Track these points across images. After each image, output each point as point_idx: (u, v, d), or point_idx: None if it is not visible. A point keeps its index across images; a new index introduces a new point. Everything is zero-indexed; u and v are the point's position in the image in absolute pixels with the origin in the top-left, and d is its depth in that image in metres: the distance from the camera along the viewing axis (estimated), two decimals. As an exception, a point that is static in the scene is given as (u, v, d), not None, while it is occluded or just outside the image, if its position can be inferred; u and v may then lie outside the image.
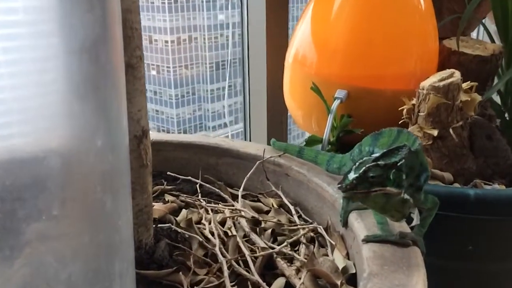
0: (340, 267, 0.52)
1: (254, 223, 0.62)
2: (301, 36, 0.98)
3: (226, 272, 0.49)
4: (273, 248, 0.56)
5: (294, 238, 0.59)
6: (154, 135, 0.82)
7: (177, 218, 0.62)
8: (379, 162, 0.45)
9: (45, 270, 0.31)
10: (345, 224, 0.57)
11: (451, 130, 0.79)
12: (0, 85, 0.28)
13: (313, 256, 0.52)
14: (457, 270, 0.81)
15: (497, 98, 0.99)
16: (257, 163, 0.75)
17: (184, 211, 0.64)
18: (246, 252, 0.54)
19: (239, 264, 0.54)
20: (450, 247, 0.79)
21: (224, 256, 0.53)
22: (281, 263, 0.54)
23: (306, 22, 0.98)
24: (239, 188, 0.72)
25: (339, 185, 0.46)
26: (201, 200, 0.70)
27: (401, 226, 0.54)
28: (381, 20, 0.90)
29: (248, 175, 0.73)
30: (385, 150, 0.47)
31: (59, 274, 0.32)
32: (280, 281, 0.51)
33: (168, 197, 0.67)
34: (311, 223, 0.64)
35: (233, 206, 0.67)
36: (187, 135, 0.84)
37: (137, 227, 0.52)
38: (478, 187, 0.79)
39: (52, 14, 0.29)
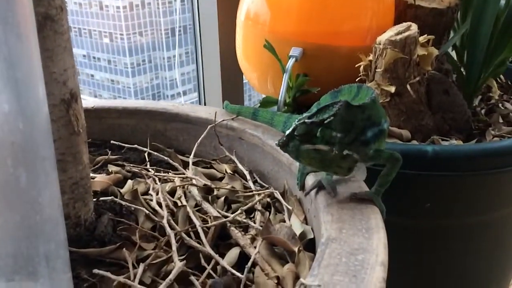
0: (298, 233, 0.49)
1: (206, 191, 0.58)
2: (252, -8, 0.92)
3: (174, 246, 0.45)
4: (226, 217, 0.53)
5: (249, 205, 0.55)
6: (96, 102, 0.75)
7: (122, 190, 0.57)
8: (305, 120, 0.44)
9: None
10: (302, 187, 0.54)
11: (408, 86, 0.77)
12: None
13: (269, 223, 0.49)
14: (415, 228, 0.80)
15: (452, 53, 0.97)
16: (209, 127, 0.70)
17: (130, 182, 0.59)
18: (197, 223, 0.50)
19: (190, 236, 0.50)
20: (409, 205, 0.78)
21: (172, 228, 0.49)
22: (235, 232, 0.50)
23: (257, -24, 0.92)
24: (191, 155, 0.67)
25: (276, 142, 0.46)
26: (149, 170, 0.65)
27: (360, 186, 0.52)
28: (335, -27, 0.85)
29: (199, 141, 0.69)
30: (320, 107, 0.45)
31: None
32: (234, 251, 0.48)
33: (112, 168, 0.62)
34: (267, 188, 0.61)
35: (183, 174, 0.63)
36: (132, 100, 0.78)
37: (73, 202, 0.47)
38: (435, 143, 0.78)
39: None
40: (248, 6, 0.93)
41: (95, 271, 0.44)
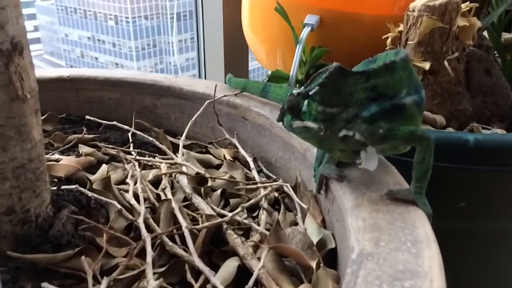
0: (315, 241, 0.37)
1: (199, 182, 0.46)
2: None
3: (149, 255, 0.34)
4: (222, 216, 0.41)
5: (252, 201, 0.43)
6: (72, 70, 0.63)
7: (92, 177, 0.45)
8: (293, 91, 0.36)
9: None
10: (319, 189, 0.42)
11: (445, 63, 0.64)
12: None
13: (278, 226, 0.37)
14: (445, 230, 0.68)
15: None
16: (206, 103, 0.58)
17: (104, 167, 0.47)
18: (183, 223, 0.38)
19: (174, 241, 0.38)
20: (439, 203, 0.65)
21: (151, 230, 0.37)
22: (233, 237, 0.38)
23: None
24: (182, 137, 0.55)
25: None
26: (132, 153, 0.53)
27: (398, 182, 0.40)
28: None
29: (193, 119, 0.57)
30: (316, 74, 0.36)
31: None
32: (231, 264, 0.36)
33: (83, 149, 0.50)
34: (274, 180, 0.49)
35: (172, 159, 0.51)
36: (117, 69, 0.66)
37: (19, 192, 0.35)
38: (475, 131, 0.66)
39: None
40: (257, -33, 0.80)
41: (44, 285, 0.33)
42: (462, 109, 0.67)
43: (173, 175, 0.47)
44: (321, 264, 0.34)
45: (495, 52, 0.79)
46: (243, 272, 0.36)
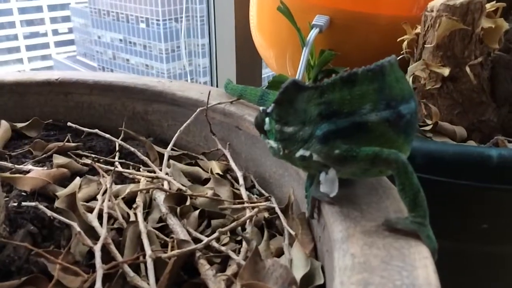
0: (299, 276, 0.32)
1: (178, 199, 0.41)
2: None
3: (98, 292, 0.29)
4: (198, 241, 0.36)
5: (234, 224, 0.38)
6: (61, 73, 0.60)
7: (59, 192, 0.41)
8: (261, 108, 0.35)
9: None
10: (312, 213, 0.37)
11: (467, 69, 0.58)
12: None
13: (256, 257, 0.32)
14: (465, 253, 0.62)
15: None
16: (198, 111, 0.53)
17: (77, 181, 0.43)
18: (148, 251, 0.33)
19: (138, 271, 0.33)
20: (459, 225, 0.59)
21: (110, 258, 0.33)
22: (205, 268, 0.33)
23: None
24: (168, 147, 0.51)
25: None
26: (117, 164, 0.49)
27: (399, 208, 0.34)
28: None
29: (182, 128, 0.52)
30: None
31: None
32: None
33: (57, 160, 0.46)
34: (266, 199, 0.44)
35: (155, 172, 0.46)
36: (108, 73, 0.62)
37: (-39, 212, 0.31)
38: (500, 145, 0.59)
39: None
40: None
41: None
42: (485, 120, 0.61)
43: (150, 191, 0.42)
44: (301, 308, 0.29)
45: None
46: (212, 311, 0.31)
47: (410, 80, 0.61)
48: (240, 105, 0.53)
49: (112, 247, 0.34)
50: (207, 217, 0.41)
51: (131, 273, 0.32)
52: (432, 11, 0.58)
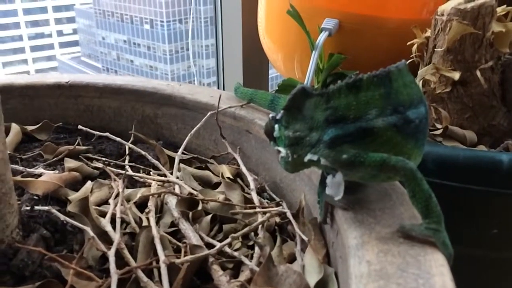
0: (313, 282, 0.32)
1: (190, 204, 0.41)
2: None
3: (113, 298, 0.29)
4: (210, 246, 0.36)
5: (246, 229, 0.38)
6: (71, 77, 0.60)
7: (71, 196, 0.41)
8: (270, 115, 0.35)
9: None
10: (324, 218, 0.37)
11: (478, 73, 0.57)
12: None
13: (269, 263, 0.32)
14: (476, 259, 0.61)
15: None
16: (209, 114, 0.53)
17: (88, 184, 0.43)
18: (162, 256, 0.33)
19: (151, 276, 0.33)
20: (470, 230, 0.59)
21: (124, 263, 0.33)
22: (218, 274, 0.33)
23: None
24: (179, 151, 0.51)
25: None
26: (127, 167, 0.49)
27: (413, 215, 0.34)
28: None
29: (192, 132, 0.52)
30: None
31: None
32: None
33: (69, 163, 0.46)
34: (277, 204, 0.44)
35: (165, 176, 0.46)
36: (117, 76, 0.62)
37: (-25, 216, 0.31)
38: (510, 150, 0.59)
39: None
40: (274, -32, 0.75)
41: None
42: (496, 124, 0.60)
43: (161, 195, 0.42)
44: (316, 315, 0.29)
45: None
46: (226, 317, 0.31)
47: (420, 84, 0.61)
48: (250, 109, 0.53)
49: (126, 252, 0.33)
50: (218, 222, 0.41)
51: (144, 278, 0.32)
52: (442, 15, 0.58)
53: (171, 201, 0.41)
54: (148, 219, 0.38)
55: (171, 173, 0.47)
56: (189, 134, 0.51)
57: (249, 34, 1.00)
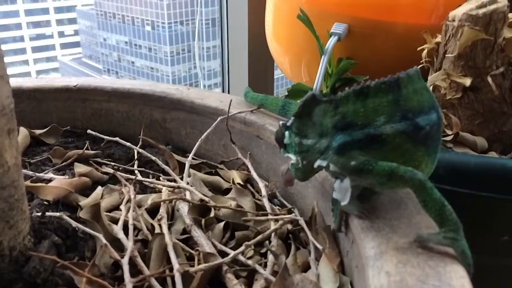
0: (329, 292, 0.32)
1: (201, 211, 0.41)
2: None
3: (129, 308, 0.28)
4: (224, 254, 0.35)
5: (259, 237, 0.38)
6: (79, 80, 0.59)
7: (82, 202, 0.40)
8: (280, 122, 0.37)
9: None
10: (339, 226, 0.36)
11: (489, 79, 0.57)
12: None
13: (285, 272, 0.32)
14: (486, 266, 0.61)
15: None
16: (219, 119, 0.53)
17: (99, 190, 0.43)
18: (175, 264, 0.33)
19: (164, 284, 0.33)
20: (480, 237, 0.58)
21: (137, 271, 0.32)
22: (233, 283, 0.33)
23: None
24: (189, 156, 0.50)
25: None
26: (136, 172, 0.49)
27: (429, 225, 0.33)
28: None
29: (203, 137, 0.52)
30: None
31: None
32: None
33: (79, 168, 0.46)
34: (289, 211, 0.43)
35: (176, 182, 0.46)
36: (125, 80, 0.62)
37: (-13, 224, 0.31)
38: (521, 157, 0.58)
39: None
40: (282, -28, 0.75)
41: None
42: (506, 130, 0.60)
43: (173, 202, 0.42)
44: (334, 326, 0.28)
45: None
46: (242, 328, 0.30)
47: (430, 90, 0.60)
48: (260, 114, 0.53)
49: (139, 260, 0.33)
50: (231, 229, 0.40)
51: (158, 286, 0.32)
52: (453, 20, 0.57)
53: (183, 207, 0.41)
54: (160, 225, 0.38)
55: (181, 179, 0.46)
56: (199, 140, 0.51)
57: (255, 35, 1.00)
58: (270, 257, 0.36)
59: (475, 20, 0.55)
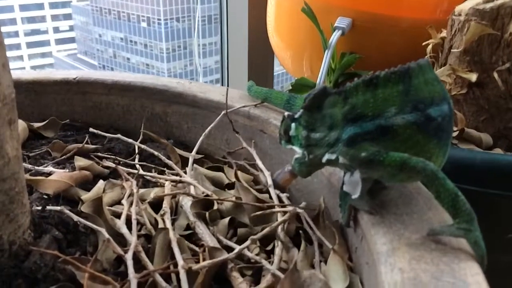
0: (339, 289, 0.31)
1: (205, 206, 0.40)
2: None
3: (134, 305, 0.27)
4: (229, 249, 0.34)
5: (265, 231, 0.37)
6: (79, 73, 0.58)
7: (83, 196, 0.39)
8: (285, 113, 0.35)
9: None
10: (348, 221, 0.35)
11: (495, 74, 0.56)
12: None
13: (295, 270, 0.31)
14: (491, 263, 0.60)
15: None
16: (223, 113, 0.52)
17: (100, 184, 0.42)
18: (180, 261, 0.32)
19: (169, 280, 0.32)
20: (484, 234, 0.58)
21: (141, 267, 0.31)
22: (238, 281, 0.32)
23: None
24: (193, 151, 0.49)
25: None
26: (137, 166, 0.48)
27: (442, 219, 0.32)
28: None
29: (206, 131, 0.51)
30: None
31: None
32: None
33: (79, 162, 0.45)
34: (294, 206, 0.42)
35: (179, 176, 0.45)
36: (126, 73, 0.61)
37: (-13, 217, 0.30)
38: (527, 154, 0.58)
39: None
40: (285, -34, 0.74)
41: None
42: (512, 127, 0.59)
43: (176, 196, 0.41)
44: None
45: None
46: (250, 325, 0.29)
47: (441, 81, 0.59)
48: (264, 108, 0.52)
49: (143, 255, 0.32)
50: (233, 226, 0.39)
51: (163, 283, 0.31)
52: (460, 15, 0.57)
53: (187, 203, 0.40)
54: (163, 220, 0.37)
55: (185, 173, 0.45)
56: (203, 134, 0.50)
57: (255, 31, 0.99)
58: (277, 251, 0.35)
59: (482, 15, 0.54)
